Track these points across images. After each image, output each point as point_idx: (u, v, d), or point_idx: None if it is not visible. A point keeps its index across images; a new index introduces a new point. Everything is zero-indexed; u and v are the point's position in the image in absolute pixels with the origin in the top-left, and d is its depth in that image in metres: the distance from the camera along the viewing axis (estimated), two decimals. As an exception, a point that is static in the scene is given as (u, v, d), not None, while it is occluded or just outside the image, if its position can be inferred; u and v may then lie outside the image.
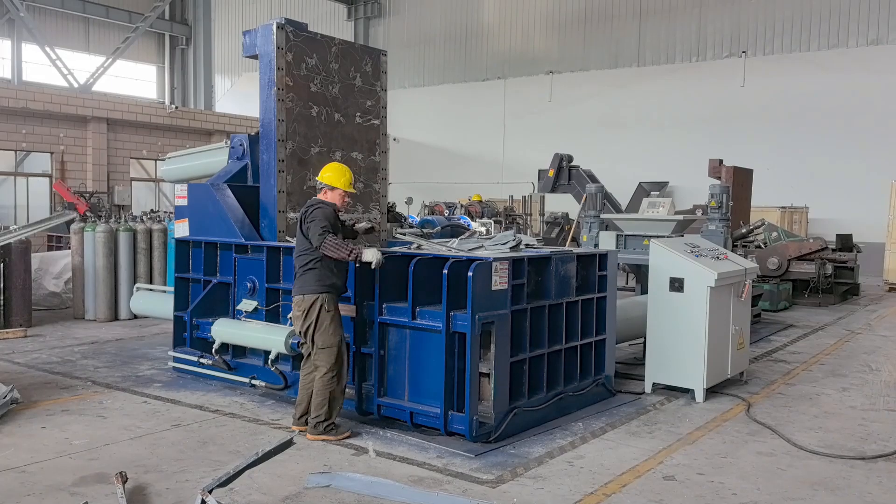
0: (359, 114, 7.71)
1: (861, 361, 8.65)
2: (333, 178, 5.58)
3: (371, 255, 5.30)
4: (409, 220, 11.49)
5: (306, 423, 5.51)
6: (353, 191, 5.70)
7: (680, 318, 6.63)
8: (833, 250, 14.51)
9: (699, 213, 12.87)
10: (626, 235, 9.07)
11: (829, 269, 13.86)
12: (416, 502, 3.10)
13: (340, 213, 5.70)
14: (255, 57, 7.09)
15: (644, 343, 7.29)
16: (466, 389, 5.28)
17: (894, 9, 20.36)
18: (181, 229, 7.57)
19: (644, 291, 8.15)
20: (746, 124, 21.73)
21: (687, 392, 6.78)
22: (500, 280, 5.45)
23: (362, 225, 6.06)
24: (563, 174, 13.77)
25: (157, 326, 9.80)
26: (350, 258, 5.31)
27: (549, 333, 5.98)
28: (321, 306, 5.39)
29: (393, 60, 8.95)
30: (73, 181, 19.38)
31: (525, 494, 4.49)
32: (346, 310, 5.99)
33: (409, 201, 17.38)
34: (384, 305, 5.69)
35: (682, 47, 23.58)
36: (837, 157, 20.54)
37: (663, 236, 8.01)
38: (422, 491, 3.15)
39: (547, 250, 6.38)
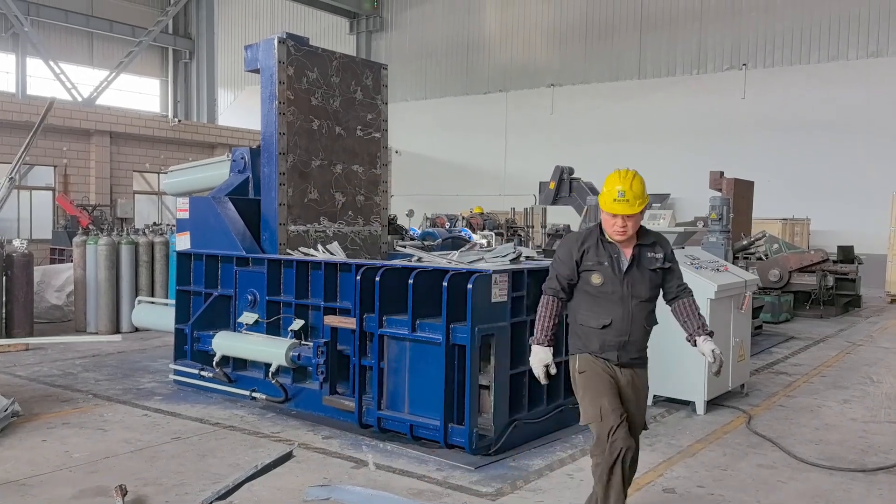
0: (360, 127, 7.75)
1: (862, 373, 8.63)
2: (601, 193, 3.92)
3: (536, 363, 3.87)
4: (411, 233, 11.54)
5: None
6: (619, 210, 3.75)
7: (681, 330, 6.61)
8: (834, 262, 14.51)
9: (700, 225, 12.88)
10: (626, 247, 9.08)
11: (831, 280, 13.85)
12: None
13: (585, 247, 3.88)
14: (256, 71, 7.15)
15: (645, 355, 7.27)
16: (466, 402, 5.28)
17: (894, 21, 20.45)
18: (183, 242, 7.60)
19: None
20: (747, 136, 21.79)
21: (687, 404, 6.77)
22: (499, 292, 5.46)
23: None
24: (565, 186, 13.79)
25: (159, 339, 9.82)
26: (532, 340, 3.94)
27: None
28: (574, 367, 3.95)
29: (395, 74, 9.01)
30: (77, 194, 19.47)
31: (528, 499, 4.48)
32: (347, 322, 6.01)
33: (411, 214, 17.42)
34: (384, 318, 5.70)
35: (683, 60, 23.68)
36: (838, 168, 20.57)
37: (663, 248, 8.01)
38: (421, 503, 3.16)
39: (547, 262, 6.39)
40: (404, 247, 8.34)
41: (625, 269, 3.81)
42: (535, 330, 3.91)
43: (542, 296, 3.93)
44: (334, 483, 4.73)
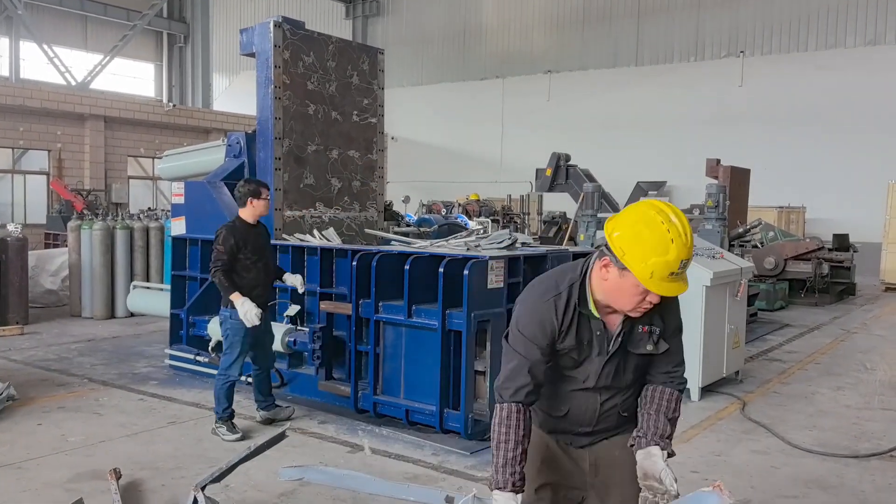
0: (356, 112, 7.72)
1: (856, 361, 8.67)
2: (639, 258, 2.25)
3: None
4: (407, 219, 11.51)
5: None
6: (674, 291, 2.29)
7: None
8: (830, 250, 14.54)
9: (696, 212, 12.88)
10: (622, 234, 9.07)
11: (826, 268, 13.89)
12: (387, 493, 3.19)
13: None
14: (252, 55, 7.10)
15: (640, 342, 7.30)
16: (462, 387, 5.29)
17: (892, 9, 20.39)
18: (178, 227, 7.57)
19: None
20: (744, 124, 21.76)
21: (682, 391, 6.79)
22: (495, 278, 5.46)
23: None
24: (561, 173, 13.78)
25: (154, 324, 9.80)
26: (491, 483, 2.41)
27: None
28: None
29: (391, 58, 8.97)
30: (71, 179, 19.38)
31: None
32: (342, 308, 6.01)
33: (407, 200, 17.40)
34: (380, 303, 5.70)
35: (681, 47, 23.61)
36: (835, 157, 20.58)
37: (659, 235, 8.01)
38: (392, 483, 3.21)
39: (543, 249, 6.39)
40: (392, 239, 8.24)
41: (611, 351, 2.45)
42: (494, 464, 2.37)
43: (498, 405, 2.41)
44: (307, 464, 4.75)
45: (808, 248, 13.91)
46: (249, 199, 5.53)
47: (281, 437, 3.88)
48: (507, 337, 2.45)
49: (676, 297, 2.39)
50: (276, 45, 6.88)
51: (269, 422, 5.83)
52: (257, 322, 5.35)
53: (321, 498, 4.32)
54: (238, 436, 5.38)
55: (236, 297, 5.32)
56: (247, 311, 5.30)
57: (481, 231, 7.83)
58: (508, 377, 2.39)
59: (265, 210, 5.58)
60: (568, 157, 13.93)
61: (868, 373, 8.05)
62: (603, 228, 9.73)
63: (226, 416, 5.47)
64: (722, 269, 6.76)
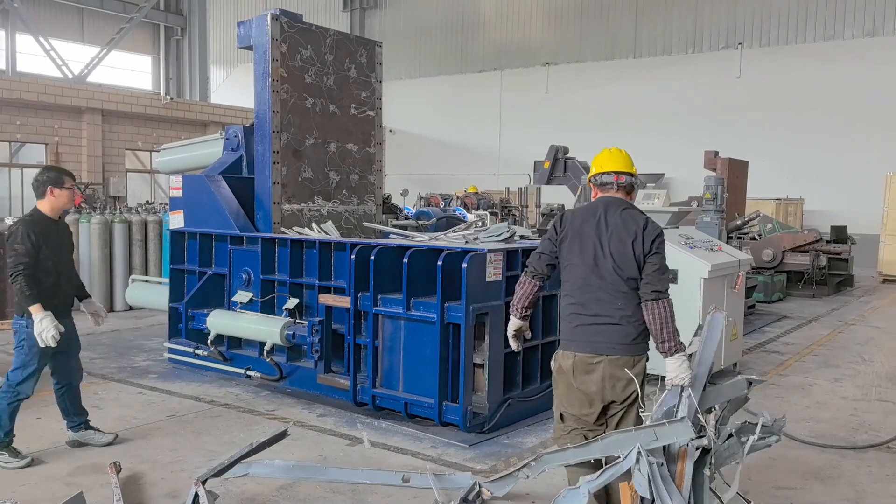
0: (354, 105, 7.71)
1: (854, 352, 8.69)
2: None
3: None
4: (405, 212, 11.50)
5: None
6: None
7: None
8: (827, 242, 14.57)
9: (694, 204, 12.89)
10: (620, 227, 9.08)
11: (824, 260, 13.92)
12: (344, 480, 3.23)
13: None
14: (249, 48, 7.09)
15: (638, 334, 7.31)
16: (461, 380, 5.30)
17: (890, 1, 20.36)
18: (176, 221, 7.57)
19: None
20: (742, 116, 21.75)
21: (680, 383, 6.80)
22: (494, 271, 5.47)
23: None
24: (559, 166, 13.73)
25: (153, 318, 9.81)
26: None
27: (543, 324, 6.00)
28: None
29: (389, 51, 8.93)
30: (68, 172, 19.30)
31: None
32: (341, 301, 6.02)
33: (405, 193, 17.37)
34: (379, 296, 5.71)
35: (679, 39, 23.56)
36: (833, 148, 20.58)
37: (658, 228, 8.03)
38: (348, 469, 3.24)
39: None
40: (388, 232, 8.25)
41: None
42: (675, 338, 3.63)
43: (668, 300, 3.66)
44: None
45: (806, 239, 13.94)
46: (49, 187, 4.73)
47: (282, 435, 3.90)
48: (662, 256, 3.63)
49: None
50: (273, 38, 6.86)
51: (77, 444, 5.02)
52: (53, 344, 4.54)
53: (320, 490, 4.33)
54: (27, 460, 4.67)
55: (36, 311, 4.51)
56: (44, 329, 4.49)
57: (479, 224, 7.84)
58: (668, 282, 3.63)
59: (68, 202, 4.84)
60: (566, 150, 13.89)
61: (865, 364, 8.08)
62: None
63: (6, 441, 4.71)
64: (720, 262, 6.77)
